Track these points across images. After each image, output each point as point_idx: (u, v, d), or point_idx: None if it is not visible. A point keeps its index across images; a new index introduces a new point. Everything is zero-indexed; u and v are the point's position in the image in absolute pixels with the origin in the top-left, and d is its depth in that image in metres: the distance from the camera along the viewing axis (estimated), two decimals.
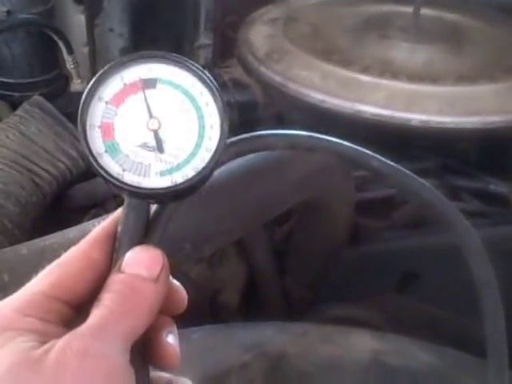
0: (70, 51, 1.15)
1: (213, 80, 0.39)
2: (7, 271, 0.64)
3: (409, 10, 1.22)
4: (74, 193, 1.00)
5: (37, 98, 1.04)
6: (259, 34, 1.26)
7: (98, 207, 0.97)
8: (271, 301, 0.94)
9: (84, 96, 0.39)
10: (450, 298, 0.83)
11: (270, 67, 1.13)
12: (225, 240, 0.68)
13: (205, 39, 1.66)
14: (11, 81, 1.16)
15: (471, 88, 1.05)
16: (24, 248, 0.65)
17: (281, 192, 0.73)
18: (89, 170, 1.03)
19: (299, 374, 0.63)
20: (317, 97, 1.05)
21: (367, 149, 0.48)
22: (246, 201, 0.67)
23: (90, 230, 0.62)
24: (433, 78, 1.07)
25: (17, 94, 1.16)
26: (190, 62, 0.40)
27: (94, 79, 0.39)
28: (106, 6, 1.30)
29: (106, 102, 0.39)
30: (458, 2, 1.36)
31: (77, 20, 1.28)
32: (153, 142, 0.38)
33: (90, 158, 0.38)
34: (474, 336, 0.52)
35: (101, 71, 0.39)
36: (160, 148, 0.38)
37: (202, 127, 0.39)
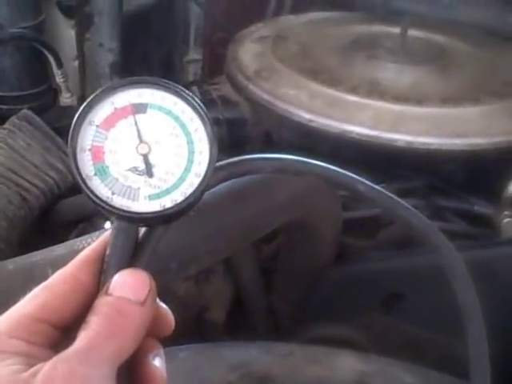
0: (60, 65, 1.16)
1: (203, 106, 0.40)
2: None
3: (396, 30, 1.24)
4: (62, 207, 1.00)
5: (25, 111, 1.04)
6: (248, 52, 1.27)
7: (85, 222, 0.97)
8: (257, 318, 0.95)
9: (75, 119, 0.39)
10: (435, 318, 0.84)
11: (259, 85, 1.14)
12: (212, 259, 0.69)
13: (194, 54, 1.68)
14: (0, 94, 1.16)
15: (457, 110, 1.07)
16: (10, 264, 0.65)
17: (268, 212, 0.73)
18: (76, 185, 1.03)
19: None
20: (304, 116, 1.06)
21: (353, 168, 0.49)
22: (233, 220, 0.67)
23: (77, 247, 0.62)
24: (419, 99, 1.09)
25: (5, 107, 1.16)
26: (181, 88, 0.40)
27: (85, 103, 0.39)
28: (96, 20, 1.31)
29: (97, 126, 0.39)
30: (445, 24, 1.38)
31: (67, 34, 1.28)
32: (142, 166, 0.39)
33: (80, 181, 0.38)
34: (459, 356, 0.53)
35: (92, 95, 0.40)
36: (149, 172, 0.39)
37: (191, 152, 0.39)
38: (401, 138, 1.01)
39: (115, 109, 0.40)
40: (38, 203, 0.97)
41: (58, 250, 0.65)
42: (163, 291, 0.41)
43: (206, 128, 0.39)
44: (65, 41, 1.29)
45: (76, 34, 1.30)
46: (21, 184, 0.96)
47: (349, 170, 0.48)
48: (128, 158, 0.39)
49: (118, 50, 1.35)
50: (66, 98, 1.21)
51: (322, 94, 1.09)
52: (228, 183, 0.66)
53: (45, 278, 0.39)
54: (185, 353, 0.66)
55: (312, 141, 1.05)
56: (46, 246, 0.68)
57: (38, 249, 0.67)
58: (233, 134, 1.16)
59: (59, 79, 1.18)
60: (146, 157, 0.39)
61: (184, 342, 0.68)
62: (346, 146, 1.02)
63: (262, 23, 1.43)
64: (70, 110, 1.18)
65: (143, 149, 0.39)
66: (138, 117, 0.39)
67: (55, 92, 1.22)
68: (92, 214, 0.99)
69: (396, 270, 0.92)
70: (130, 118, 0.39)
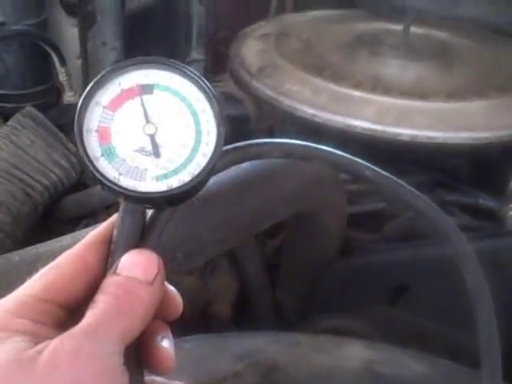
0: (63, 63, 1.16)
1: (210, 87, 0.40)
2: None
3: (399, 27, 1.24)
4: (66, 204, 1.00)
5: (29, 108, 1.04)
6: (251, 49, 1.27)
7: (89, 218, 0.97)
8: (263, 313, 0.94)
9: (81, 100, 0.39)
10: (441, 310, 0.83)
11: (262, 82, 1.14)
12: (217, 250, 0.69)
13: (197, 54, 1.68)
14: (3, 92, 1.16)
15: (461, 104, 1.07)
16: (16, 256, 0.65)
17: (273, 203, 0.73)
18: (80, 181, 1.03)
19: (292, 383, 0.63)
20: (308, 111, 1.06)
21: None
22: (238, 211, 0.67)
23: (83, 238, 0.62)
24: (423, 95, 1.08)
25: (9, 106, 1.16)
26: (188, 68, 0.40)
27: (91, 84, 0.39)
28: (99, 19, 1.31)
29: (104, 107, 0.39)
30: (447, 21, 1.38)
31: (70, 33, 1.28)
32: (149, 147, 0.39)
33: (87, 162, 0.38)
34: (465, 348, 0.53)
35: (98, 76, 0.39)
36: (156, 153, 0.38)
37: (198, 133, 0.39)
38: (405, 132, 1.01)
39: (122, 90, 0.39)
40: (41, 199, 0.97)
41: (64, 241, 0.65)
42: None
43: (213, 108, 0.39)
44: (68, 39, 1.29)
45: (79, 33, 1.30)
46: (25, 180, 0.96)
47: None
48: (135, 138, 0.39)
49: (120, 48, 1.35)
50: (69, 97, 1.21)
51: (326, 90, 1.09)
52: (233, 173, 0.66)
53: None
54: (191, 343, 0.66)
55: (316, 136, 1.04)
56: None
57: None
58: (237, 130, 1.15)
59: (62, 77, 1.18)
60: (152, 137, 0.39)
61: (190, 335, 0.68)
62: (350, 141, 1.02)
63: (264, 21, 1.43)
64: (73, 108, 1.18)
65: (150, 129, 0.39)
66: (145, 97, 0.39)
67: (58, 90, 1.22)
68: (96, 209, 0.99)
69: (402, 262, 0.91)
70: (137, 99, 0.39)
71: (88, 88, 0.39)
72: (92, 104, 0.39)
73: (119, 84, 0.39)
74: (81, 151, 0.38)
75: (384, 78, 1.15)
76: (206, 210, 0.63)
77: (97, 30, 1.32)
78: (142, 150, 0.39)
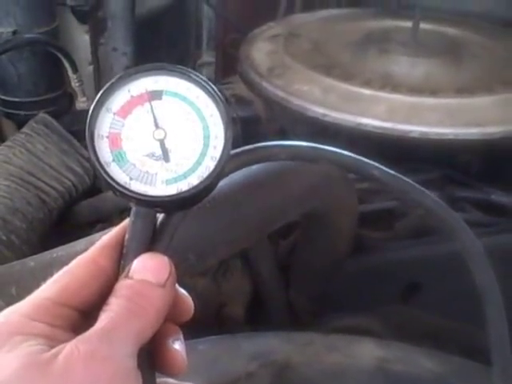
0: (75, 69, 1.17)
1: (217, 91, 0.40)
2: (15, 284, 0.65)
3: (408, 25, 1.24)
4: (80, 209, 1.01)
5: (43, 115, 1.05)
6: (261, 50, 1.27)
7: (103, 223, 0.98)
8: (276, 313, 0.95)
9: (92, 107, 0.40)
10: (453, 307, 0.83)
11: (272, 82, 1.14)
12: (229, 251, 0.69)
13: (207, 57, 1.69)
14: (17, 99, 1.17)
15: (471, 100, 1.06)
16: (31, 261, 0.66)
17: (284, 203, 0.73)
18: (94, 187, 1.04)
19: (305, 382, 0.63)
20: (318, 111, 1.06)
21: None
22: (249, 211, 0.67)
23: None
24: (433, 91, 1.08)
25: (22, 113, 1.17)
26: (195, 73, 0.41)
27: (101, 91, 0.40)
28: (109, 25, 1.32)
29: (114, 113, 0.40)
30: (456, 17, 1.38)
31: (81, 39, 1.30)
32: (159, 152, 0.39)
33: (98, 167, 0.39)
34: (478, 345, 0.53)
35: (108, 83, 0.40)
36: (166, 157, 0.39)
37: (206, 137, 0.40)
38: (415, 129, 1.01)
39: (131, 96, 0.40)
40: (56, 205, 0.98)
41: (78, 245, 0.66)
42: (182, 287, 0.42)
43: (220, 113, 0.40)
44: (79, 46, 1.31)
45: (90, 39, 1.31)
46: (39, 186, 0.97)
47: None
48: (145, 143, 0.39)
49: (131, 54, 1.36)
50: (81, 103, 1.22)
51: (336, 89, 1.09)
52: (243, 174, 0.67)
53: None
54: (204, 345, 0.67)
55: (327, 135, 1.05)
56: None
57: None
58: (247, 132, 1.16)
59: (75, 83, 1.19)
60: (162, 142, 0.39)
61: (203, 337, 0.69)
62: (360, 139, 1.02)
63: (273, 22, 1.43)
64: (85, 114, 1.19)
65: (159, 134, 0.40)
66: (154, 103, 0.40)
67: (71, 96, 1.24)
68: (110, 214, 1.00)
69: (413, 260, 0.91)
70: (146, 105, 0.40)
71: (98, 96, 0.40)
72: (102, 111, 0.40)
73: (129, 91, 0.40)
74: (92, 157, 0.39)
75: (393, 76, 1.15)
76: (217, 211, 0.64)
77: (108, 36, 1.33)
78: (151, 155, 0.39)
